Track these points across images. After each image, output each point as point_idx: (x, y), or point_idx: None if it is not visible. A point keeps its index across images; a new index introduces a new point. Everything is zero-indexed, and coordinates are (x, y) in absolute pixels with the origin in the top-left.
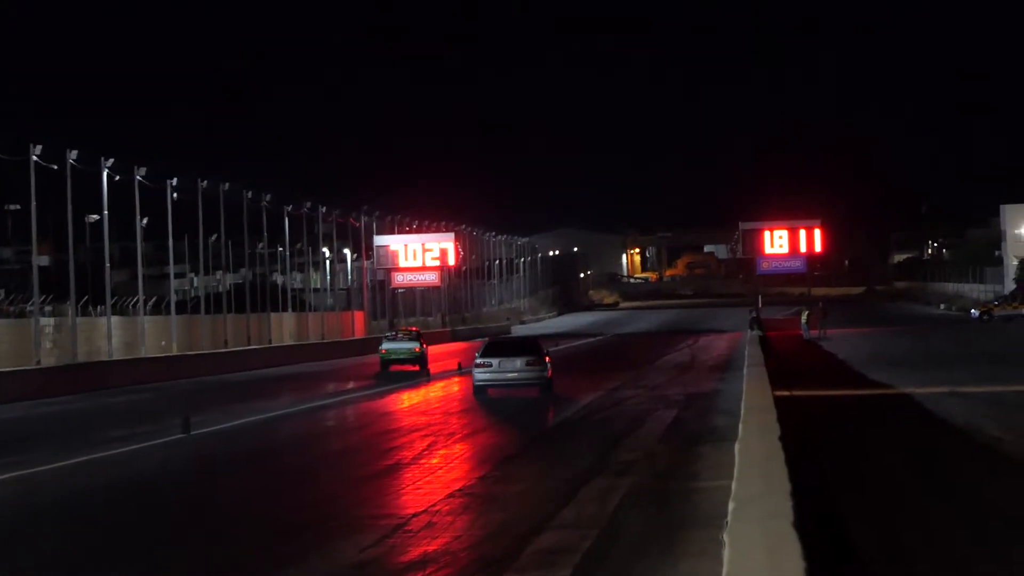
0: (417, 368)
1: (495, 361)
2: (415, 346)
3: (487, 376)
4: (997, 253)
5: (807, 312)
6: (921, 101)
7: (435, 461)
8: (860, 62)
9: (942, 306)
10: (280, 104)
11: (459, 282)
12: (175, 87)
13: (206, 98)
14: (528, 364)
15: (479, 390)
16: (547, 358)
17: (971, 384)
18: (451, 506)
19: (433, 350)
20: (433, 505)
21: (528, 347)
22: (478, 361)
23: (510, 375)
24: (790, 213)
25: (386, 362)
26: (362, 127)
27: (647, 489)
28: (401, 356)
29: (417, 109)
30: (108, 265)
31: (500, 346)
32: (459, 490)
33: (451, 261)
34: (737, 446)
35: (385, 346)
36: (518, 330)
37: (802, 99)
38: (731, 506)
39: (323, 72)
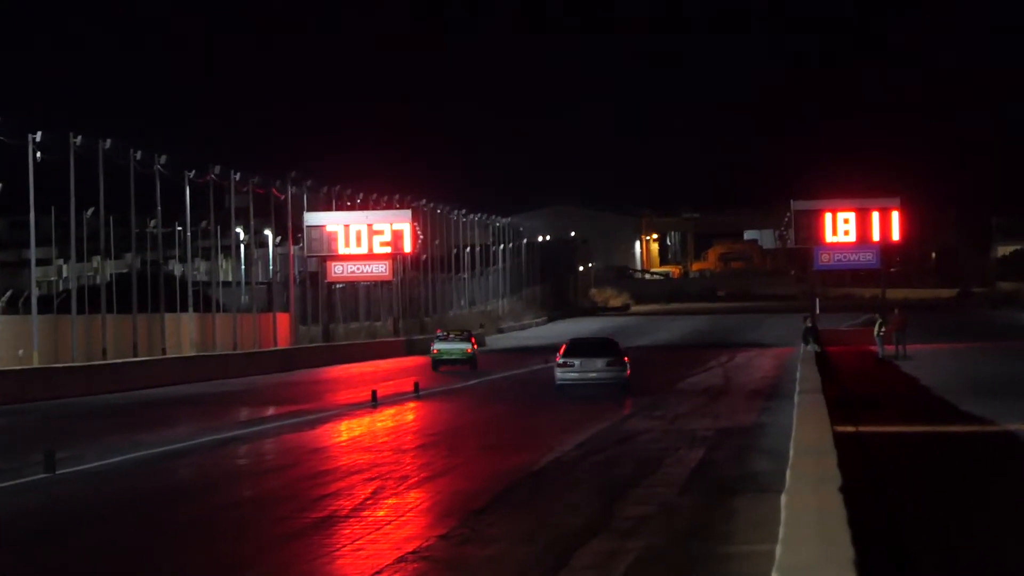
0: (468, 368)
1: (577, 361)
2: (467, 347)
3: (570, 376)
4: None
5: (881, 321)
6: None
7: (382, 514)
8: None
9: None
10: (178, 37)
11: (417, 276)
12: (41, 13)
13: (81, 27)
14: (609, 364)
15: (560, 388)
16: (626, 359)
17: None
18: (402, 574)
19: (383, 366)
20: (378, 572)
21: (609, 348)
22: (560, 361)
23: (592, 375)
24: (859, 190)
25: (437, 362)
26: (291, 71)
27: (663, 555)
28: (454, 356)
29: (363, 46)
30: None
31: (581, 347)
32: (412, 552)
33: (407, 247)
34: (784, 499)
35: (437, 346)
36: (495, 341)
37: (877, 41)
38: None
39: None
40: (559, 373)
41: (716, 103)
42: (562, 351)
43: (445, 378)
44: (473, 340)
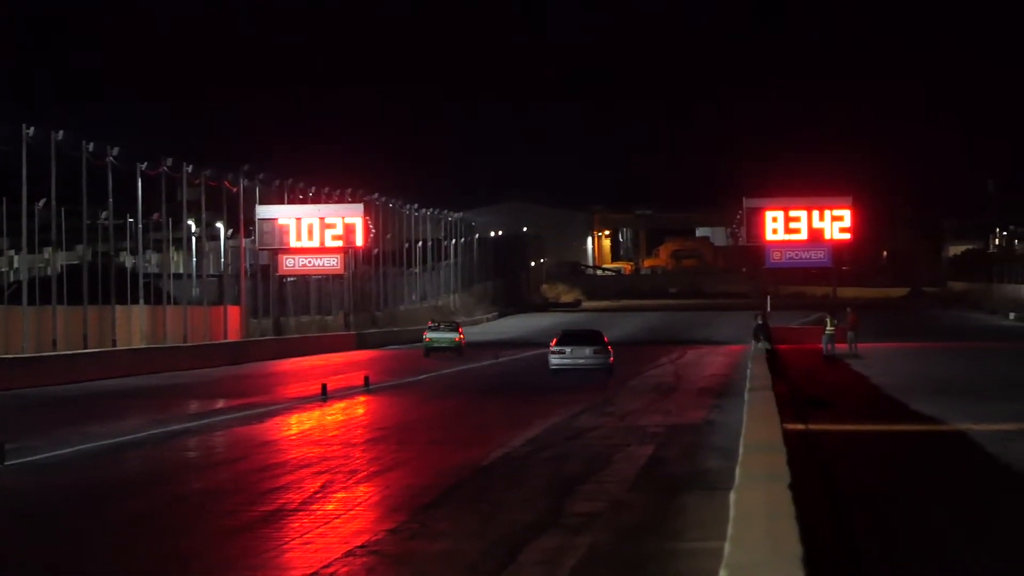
0: (456, 354)
1: (568, 349)
2: (455, 336)
3: (563, 361)
4: None
5: (831, 320)
6: (986, 45)
7: (331, 507)
8: None
9: (1012, 315)
10: (134, 30)
11: (369, 270)
12: None
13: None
14: (595, 352)
15: (555, 372)
16: (609, 347)
17: None
18: (351, 567)
19: (333, 360)
20: (327, 566)
21: (595, 338)
22: (554, 349)
23: (581, 360)
24: (811, 189)
25: (429, 349)
26: (243, 62)
27: (611, 551)
28: (443, 344)
29: (317, 38)
30: None
31: (572, 337)
32: (361, 546)
33: (359, 241)
34: (733, 496)
35: (429, 335)
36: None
37: (828, 35)
38: (723, 575)
39: None
40: (553, 359)
41: (670, 100)
42: (555, 341)
43: (396, 372)
44: (460, 330)
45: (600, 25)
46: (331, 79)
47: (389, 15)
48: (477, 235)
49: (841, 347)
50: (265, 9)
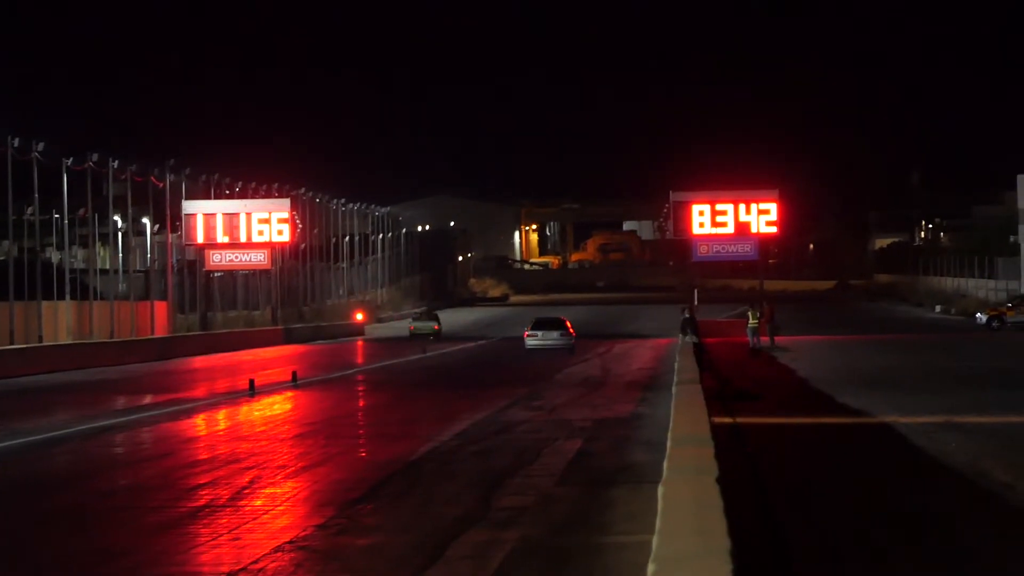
0: (434, 339)
1: (540, 333)
2: (434, 324)
3: (536, 343)
4: (1013, 239)
5: (753, 312)
6: (912, 37)
7: (259, 503)
8: None
9: (938, 308)
10: (58, 22)
11: (296, 265)
12: None
13: None
14: (561, 335)
15: (530, 351)
16: (572, 331)
17: (974, 413)
18: (279, 563)
19: (261, 355)
20: (255, 562)
21: (561, 324)
22: (529, 333)
23: (549, 342)
24: (738, 182)
25: (414, 335)
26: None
27: (540, 545)
28: (424, 331)
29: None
30: None
31: (542, 323)
32: (290, 542)
33: (286, 236)
34: (661, 490)
35: (413, 324)
36: (374, 331)
37: (752, 26)
38: (651, 569)
39: None
40: (528, 341)
41: (596, 92)
42: (530, 327)
43: (324, 367)
44: (438, 318)
45: (527, 15)
46: (256, 71)
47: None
48: (404, 230)
49: (764, 340)
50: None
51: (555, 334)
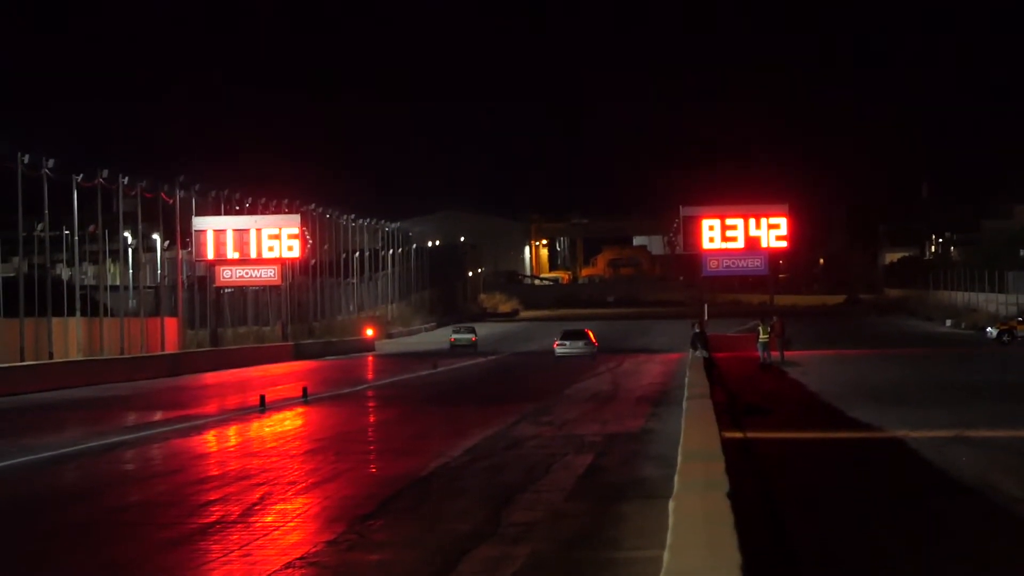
0: (473, 350)
1: (568, 342)
2: (472, 336)
3: (563, 351)
4: (1022, 252)
5: (763, 327)
6: (924, 51)
7: (270, 519)
8: None
9: (948, 322)
10: (69, 39)
11: (306, 281)
12: None
13: None
14: (585, 344)
15: (558, 359)
16: (595, 341)
17: (984, 427)
18: None
19: (271, 371)
20: None
21: (585, 335)
22: (558, 343)
23: (575, 350)
24: (748, 197)
25: (454, 346)
26: (177, 70)
27: (550, 560)
28: (464, 343)
29: (255, 43)
30: None
31: (569, 334)
32: (300, 558)
33: (296, 252)
34: (671, 504)
35: (453, 336)
36: (383, 346)
37: (762, 44)
38: None
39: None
40: (558, 350)
41: (607, 109)
42: (559, 338)
43: (334, 383)
44: (475, 331)
45: (535, 30)
46: (267, 89)
47: (324, 23)
48: (414, 245)
49: (775, 355)
50: (205, 20)
51: (580, 343)
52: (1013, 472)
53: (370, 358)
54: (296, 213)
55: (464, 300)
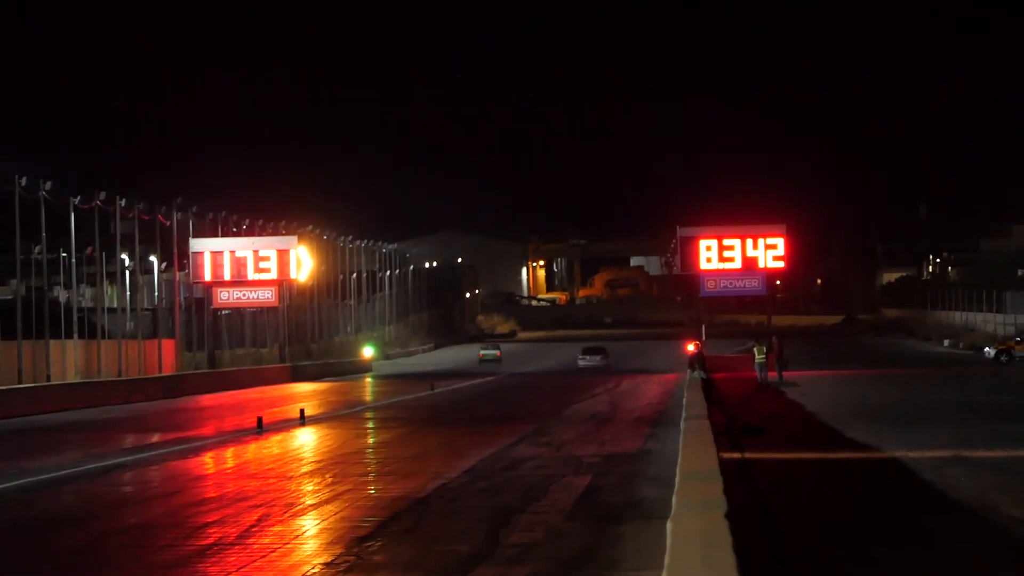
0: (498, 364)
1: (588, 356)
2: (497, 351)
3: (585, 363)
4: (1021, 272)
5: (759, 347)
6: (921, 69)
7: (267, 541)
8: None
9: (946, 342)
10: (61, 59)
11: (304, 302)
12: None
13: None
14: (603, 358)
15: (580, 369)
16: (609, 356)
17: (982, 447)
18: None
19: (269, 392)
20: None
21: (603, 350)
22: (580, 356)
23: (595, 362)
24: (745, 217)
25: (482, 360)
26: (173, 92)
27: None
28: (491, 358)
29: (251, 65)
30: None
31: (590, 350)
32: None
33: (293, 274)
34: (669, 525)
35: (481, 351)
36: (381, 368)
37: (758, 62)
38: None
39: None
40: (580, 362)
41: (604, 130)
42: (581, 352)
43: (332, 404)
44: (500, 347)
45: (534, 49)
46: (262, 110)
47: (324, 47)
48: (412, 266)
49: (772, 375)
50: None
51: (598, 357)
52: (1012, 492)
53: (368, 379)
54: (293, 234)
55: (462, 321)
